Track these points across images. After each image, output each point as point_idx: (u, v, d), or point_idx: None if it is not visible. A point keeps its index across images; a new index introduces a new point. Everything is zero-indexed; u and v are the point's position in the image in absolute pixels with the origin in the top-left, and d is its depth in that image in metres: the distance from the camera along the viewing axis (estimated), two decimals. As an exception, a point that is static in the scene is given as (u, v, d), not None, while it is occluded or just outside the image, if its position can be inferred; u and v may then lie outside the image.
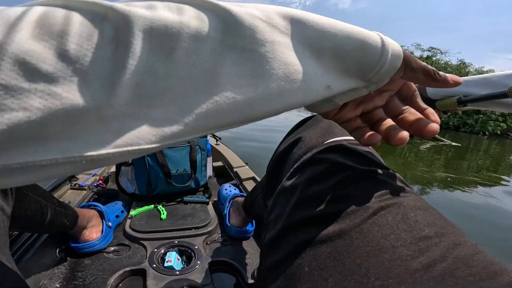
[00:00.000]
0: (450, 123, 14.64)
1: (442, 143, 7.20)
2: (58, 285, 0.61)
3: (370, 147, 0.35)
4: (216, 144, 1.55)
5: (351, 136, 0.30)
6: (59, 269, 0.65)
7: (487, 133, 20.64)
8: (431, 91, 0.61)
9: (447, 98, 0.58)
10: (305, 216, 0.28)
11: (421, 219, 0.24)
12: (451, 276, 0.20)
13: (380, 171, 0.30)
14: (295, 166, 0.34)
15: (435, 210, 0.26)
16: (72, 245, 0.69)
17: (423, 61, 0.26)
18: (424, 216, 0.25)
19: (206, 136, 1.04)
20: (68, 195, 0.88)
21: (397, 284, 0.20)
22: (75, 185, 0.93)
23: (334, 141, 0.34)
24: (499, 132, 20.54)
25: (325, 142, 0.34)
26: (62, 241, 0.70)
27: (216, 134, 1.31)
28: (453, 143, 7.28)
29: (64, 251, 0.70)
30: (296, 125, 0.44)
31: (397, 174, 0.31)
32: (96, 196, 0.97)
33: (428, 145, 6.75)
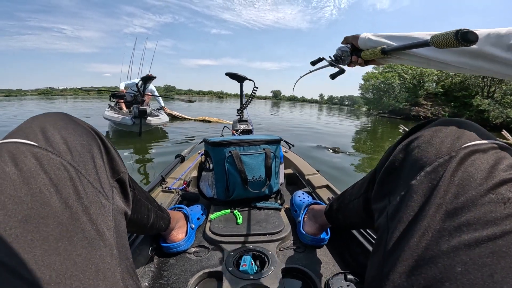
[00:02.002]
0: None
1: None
2: (147, 284, 0.62)
3: None
4: (285, 152, 1.49)
5: None
6: (149, 267, 0.67)
7: None
8: (361, 42, 0.64)
9: (373, 48, 0.61)
10: (458, 221, 0.27)
11: None
12: None
13: None
14: (427, 169, 0.32)
15: None
16: (162, 244, 0.71)
17: None
18: None
19: (279, 143, 0.99)
20: (160, 197, 0.93)
21: None
22: (165, 188, 0.98)
23: (474, 144, 0.32)
24: None
25: (463, 146, 0.32)
26: (154, 241, 0.73)
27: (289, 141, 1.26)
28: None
29: (154, 250, 0.72)
30: (414, 128, 0.40)
31: None
32: (181, 199, 1.01)
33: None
